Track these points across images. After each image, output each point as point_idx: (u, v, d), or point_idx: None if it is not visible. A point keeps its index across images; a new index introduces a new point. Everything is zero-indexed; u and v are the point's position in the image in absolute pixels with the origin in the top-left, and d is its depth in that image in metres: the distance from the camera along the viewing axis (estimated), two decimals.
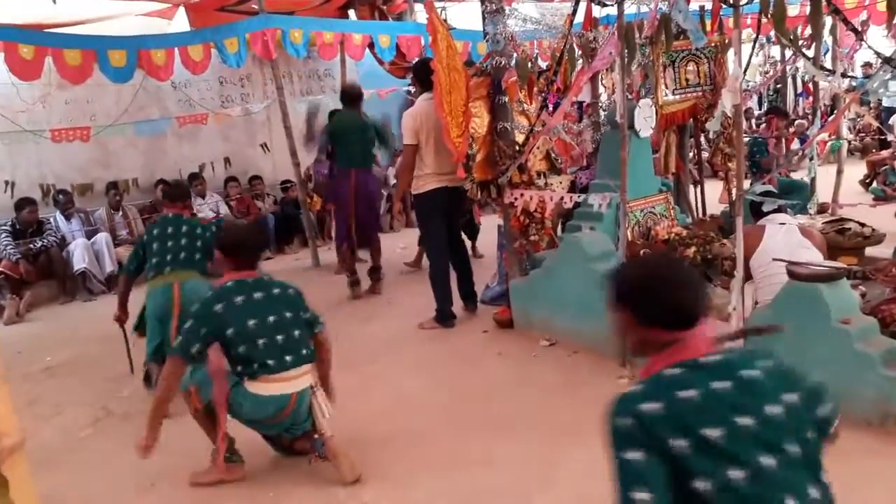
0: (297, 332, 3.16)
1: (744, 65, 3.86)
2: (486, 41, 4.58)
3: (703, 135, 6.83)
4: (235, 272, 3.15)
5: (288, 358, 3.10)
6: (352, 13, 8.53)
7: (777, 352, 1.57)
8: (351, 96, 6.08)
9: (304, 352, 3.20)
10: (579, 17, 5.23)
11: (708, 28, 5.42)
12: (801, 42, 5.35)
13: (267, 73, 8.65)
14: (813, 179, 5.72)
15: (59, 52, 5.57)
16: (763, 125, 7.11)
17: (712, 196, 6.34)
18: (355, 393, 4.05)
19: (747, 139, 6.81)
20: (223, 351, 3.07)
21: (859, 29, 5.08)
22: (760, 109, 11.60)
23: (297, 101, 9.19)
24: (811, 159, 5.65)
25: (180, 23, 7.85)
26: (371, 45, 7.71)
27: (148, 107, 8.06)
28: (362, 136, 6.00)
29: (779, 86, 9.68)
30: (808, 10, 3.53)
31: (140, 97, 7.63)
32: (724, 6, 4.07)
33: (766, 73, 11.46)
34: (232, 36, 6.64)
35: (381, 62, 8.32)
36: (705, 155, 6.99)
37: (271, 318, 3.09)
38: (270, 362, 3.05)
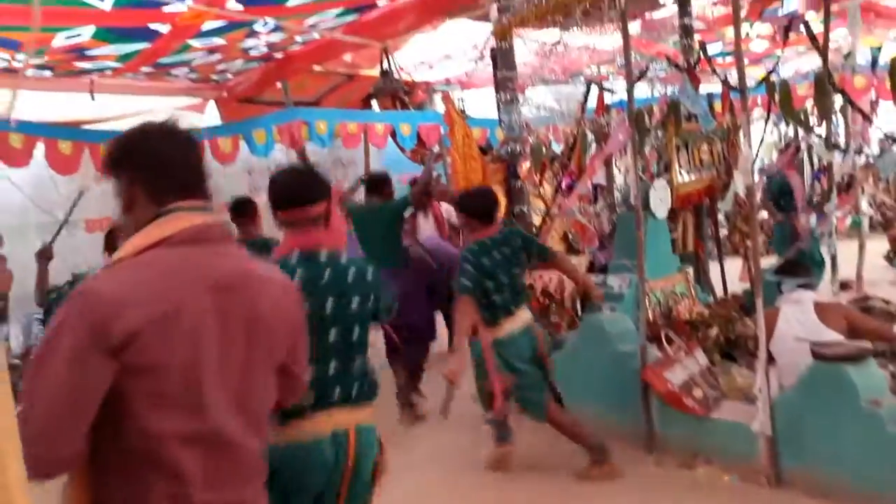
0: (359, 359, 2.26)
1: (756, 145, 3.93)
2: (502, 128, 4.74)
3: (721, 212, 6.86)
4: (296, 235, 2.21)
5: (336, 394, 2.16)
6: (374, 104, 8.86)
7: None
8: None
9: (366, 386, 2.27)
10: (592, 103, 5.42)
11: (719, 109, 5.55)
12: (812, 120, 5.42)
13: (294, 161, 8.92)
14: (834, 256, 5.68)
15: (95, 146, 5.82)
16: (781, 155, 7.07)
17: (733, 273, 6.30)
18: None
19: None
20: None
21: (870, 107, 5.16)
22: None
23: None
24: (830, 236, 5.63)
25: (211, 116, 8.21)
26: (393, 134, 7.97)
27: None
28: None
29: (795, 162, 9.75)
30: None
31: None
32: (732, 90, 4.20)
33: (782, 150, 11.53)
34: (260, 128, 6.91)
35: (402, 150, 8.57)
36: (724, 232, 7.00)
37: (332, 336, 2.18)
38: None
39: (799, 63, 8.96)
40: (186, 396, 1.36)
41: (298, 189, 2.20)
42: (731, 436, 3.72)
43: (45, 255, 3.99)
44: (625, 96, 4.19)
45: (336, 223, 2.26)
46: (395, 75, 6.34)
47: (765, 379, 3.47)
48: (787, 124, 7.44)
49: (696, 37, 6.16)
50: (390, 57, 6.03)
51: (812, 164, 9.01)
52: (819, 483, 3.33)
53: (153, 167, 1.47)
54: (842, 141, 6.00)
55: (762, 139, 5.92)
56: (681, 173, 5.32)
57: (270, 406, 1.58)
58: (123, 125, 7.34)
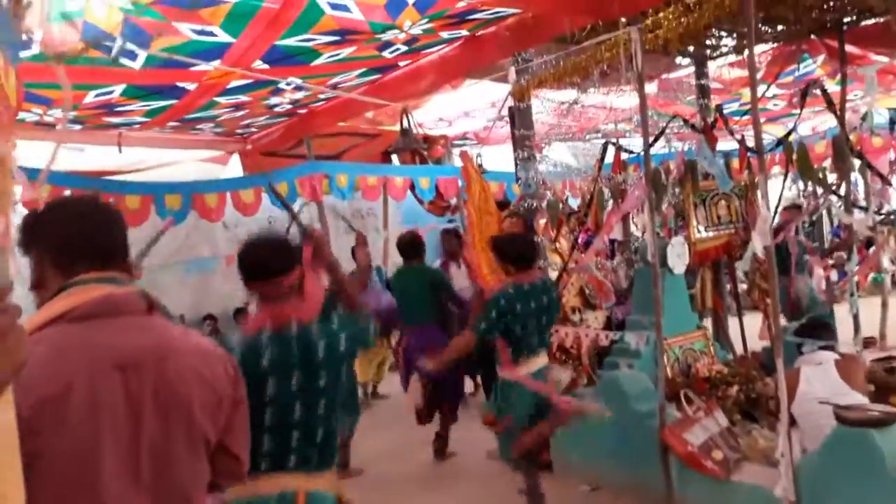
0: (321, 431, 2.24)
1: (773, 205, 3.93)
2: (519, 185, 4.80)
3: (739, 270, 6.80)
4: (266, 309, 2.25)
5: (292, 460, 2.20)
6: (394, 157, 9.01)
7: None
8: None
9: (325, 452, 2.28)
10: (609, 158, 5.47)
11: (736, 166, 5.57)
12: (830, 179, 5.43)
13: (313, 212, 9.04)
14: (856, 315, 5.59)
15: (120, 197, 5.94)
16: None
17: (753, 330, 6.23)
18: None
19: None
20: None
21: (888, 167, 5.16)
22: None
23: (341, 237, 9.55)
24: (852, 295, 5.56)
25: (234, 168, 8.37)
26: (412, 187, 8.07)
27: (199, 245, 8.44)
28: None
29: (814, 219, 9.76)
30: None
31: (193, 237, 8.02)
32: (749, 151, 4.22)
33: (800, 206, 11.47)
34: (282, 181, 7.02)
35: (420, 202, 8.67)
36: (743, 287, 6.95)
37: (298, 411, 2.17)
38: (263, 465, 2.16)
39: (816, 122, 9.01)
40: (80, 485, 1.24)
41: (267, 262, 2.21)
42: (752, 499, 3.63)
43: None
44: (641, 152, 4.24)
45: (310, 290, 2.26)
46: (414, 131, 6.48)
47: (787, 443, 3.39)
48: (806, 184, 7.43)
49: (714, 97, 6.25)
50: (409, 116, 6.18)
51: (832, 221, 8.97)
52: None
53: (59, 240, 1.42)
54: (861, 199, 5.99)
55: (780, 195, 5.95)
56: (698, 230, 5.33)
57: (200, 485, 1.46)
58: (148, 176, 7.52)
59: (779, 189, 6.01)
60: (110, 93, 4.27)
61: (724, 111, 7.51)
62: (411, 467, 5.20)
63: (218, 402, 1.47)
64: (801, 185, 9.37)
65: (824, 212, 8.71)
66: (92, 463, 1.25)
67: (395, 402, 7.19)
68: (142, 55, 3.47)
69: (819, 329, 3.92)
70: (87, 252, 1.42)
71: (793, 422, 3.63)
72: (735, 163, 5.61)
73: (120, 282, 1.43)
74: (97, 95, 4.28)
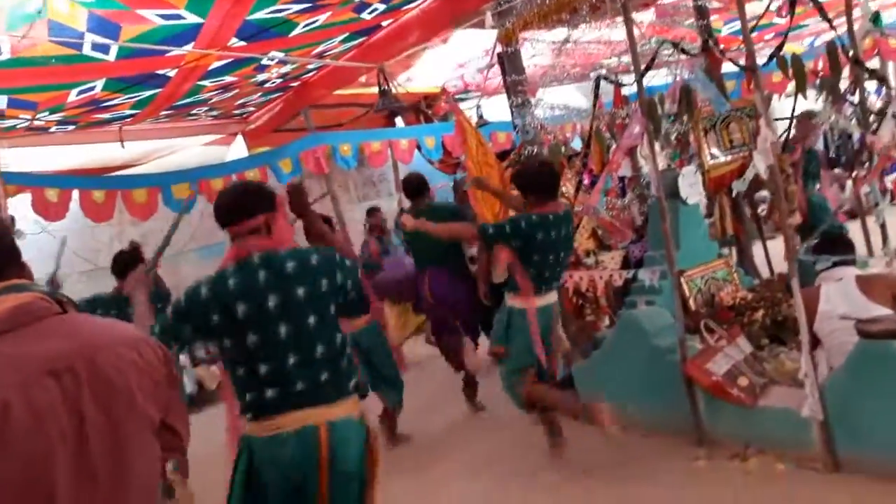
0: (320, 348, 2.24)
1: (777, 123, 3.78)
2: (516, 133, 4.69)
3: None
4: (234, 247, 2.34)
5: (300, 385, 2.19)
6: (398, 120, 8.91)
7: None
8: None
9: (337, 375, 2.27)
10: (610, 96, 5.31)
11: (745, 87, 5.37)
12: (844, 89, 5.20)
13: (324, 186, 9.03)
14: (883, 225, 5.41)
15: (127, 192, 5.98)
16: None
17: (779, 253, 6.08)
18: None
19: None
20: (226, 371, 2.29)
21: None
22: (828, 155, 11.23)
23: (357, 206, 9.57)
24: (877, 205, 5.38)
25: (238, 147, 8.36)
26: (419, 147, 7.98)
27: (214, 231, 8.48)
28: None
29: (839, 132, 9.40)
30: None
31: (206, 222, 8.05)
32: (741, 69, 4.04)
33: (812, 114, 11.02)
34: (286, 157, 7.00)
35: (430, 161, 8.59)
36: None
37: (284, 330, 2.20)
38: (269, 392, 2.17)
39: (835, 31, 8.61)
40: (37, 499, 1.21)
41: (232, 207, 2.34)
42: (782, 423, 3.58)
43: None
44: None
45: (280, 230, 2.32)
46: (394, 90, 6.35)
47: (810, 362, 3.32)
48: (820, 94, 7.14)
49: (715, 17, 5.98)
50: (386, 76, 6.03)
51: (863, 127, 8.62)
52: (878, 467, 3.16)
53: None
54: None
55: (793, 111, 5.73)
56: (712, 154, 5.14)
57: (156, 470, 1.45)
58: (154, 167, 7.56)
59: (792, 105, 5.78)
60: (92, 89, 4.25)
61: (729, 30, 7.25)
62: (442, 423, 5.25)
63: (156, 384, 1.45)
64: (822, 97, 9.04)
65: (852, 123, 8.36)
66: (46, 477, 1.22)
67: (418, 363, 7.24)
68: (114, 47, 3.43)
69: (835, 245, 3.79)
70: None
71: (819, 341, 3.56)
72: (742, 84, 5.40)
73: (25, 287, 1.38)
74: (79, 93, 4.27)
